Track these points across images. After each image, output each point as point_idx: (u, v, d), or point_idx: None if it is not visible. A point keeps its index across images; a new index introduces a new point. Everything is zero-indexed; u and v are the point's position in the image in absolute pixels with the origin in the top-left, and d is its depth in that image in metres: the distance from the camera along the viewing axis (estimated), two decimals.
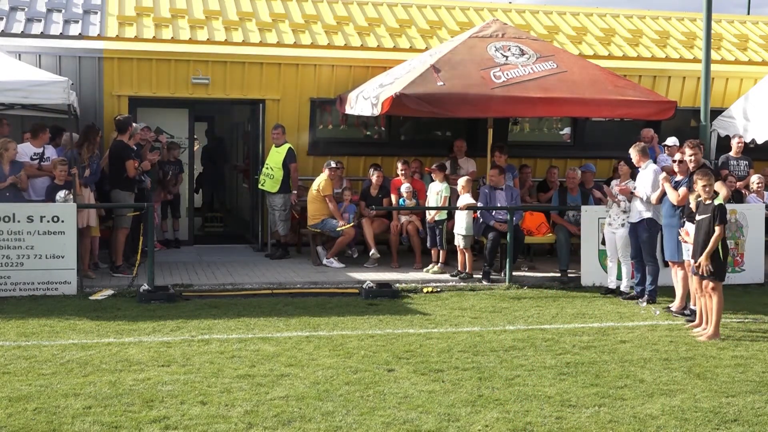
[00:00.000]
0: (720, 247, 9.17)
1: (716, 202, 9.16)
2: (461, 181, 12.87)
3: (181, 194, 15.32)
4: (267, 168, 13.94)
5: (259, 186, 14.16)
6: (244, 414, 6.40)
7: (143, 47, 14.30)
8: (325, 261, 13.43)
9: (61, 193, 11.33)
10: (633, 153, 11.26)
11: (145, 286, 10.76)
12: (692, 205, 9.54)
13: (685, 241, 9.85)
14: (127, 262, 12.30)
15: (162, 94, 14.39)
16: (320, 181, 13.48)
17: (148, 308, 10.23)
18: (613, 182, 11.89)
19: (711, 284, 9.21)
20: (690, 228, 9.66)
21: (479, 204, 12.78)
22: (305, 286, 11.85)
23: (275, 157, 13.86)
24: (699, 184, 9.29)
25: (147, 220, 11.50)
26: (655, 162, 11.91)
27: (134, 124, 12.86)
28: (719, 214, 9.09)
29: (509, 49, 13.32)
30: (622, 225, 11.46)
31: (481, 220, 12.74)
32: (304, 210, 13.88)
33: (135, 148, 12.67)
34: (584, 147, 15.99)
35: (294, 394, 6.90)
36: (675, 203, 10.35)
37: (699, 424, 6.43)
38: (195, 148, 16.31)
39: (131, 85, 14.11)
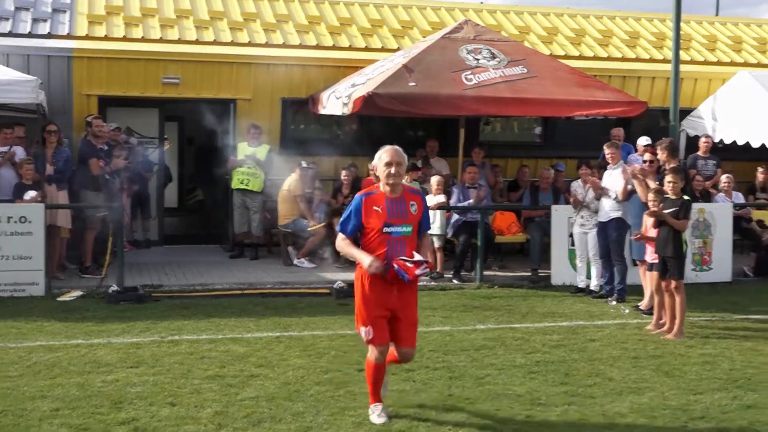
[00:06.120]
0: (682, 244, 9.30)
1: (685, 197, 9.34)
2: (434, 181, 12.90)
3: (150, 194, 15.19)
4: (250, 168, 13.86)
5: (242, 185, 14.00)
6: (214, 415, 6.37)
7: (113, 46, 14.22)
8: (296, 261, 13.41)
9: (30, 193, 11.23)
10: (607, 151, 11.35)
11: (114, 287, 10.69)
12: (650, 204, 9.60)
13: (645, 238, 9.91)
14: (96, 263, 12.21)
15: (132, 94, 14.30)
16: (291, 181, 13.46)
17: (117, 309, 10.15)
18: (573, 184, 11.97)
19: (674, 283, 9.31)
20: (649, 221, 9.78)
21: (453, 202, 12.83)
22: (276, 286, 11.82)
23: (259, 155, 13.83)
24: (665, 180, 9.47)
25: (116, 221, 11.41)
26: (626, 162, 11.99)
27: (100, 121, 12.70)
28: (685, 210, 9.24)
29: (480, 52, 13.38)
30: (595, 225, 11.54)
31: (455, 218, 12.78)
32: (275, 210, 13.85)
33: (105, 147, 12.59)
34: (554, 147, 16.07)
35: (264, 395, 6.88)
36: (643, 200, 10.43)
37: (667, 422, 6.49)
38: (165, 147, 16.16)
39: (101, 84, 14.02)
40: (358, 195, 6.42)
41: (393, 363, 6.57)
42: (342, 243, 6.41)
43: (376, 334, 6.27)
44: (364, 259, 6.19)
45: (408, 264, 6.18)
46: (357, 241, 6.38)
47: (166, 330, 9.11)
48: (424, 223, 6.46)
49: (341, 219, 6.45)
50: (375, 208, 6.29)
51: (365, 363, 6.47)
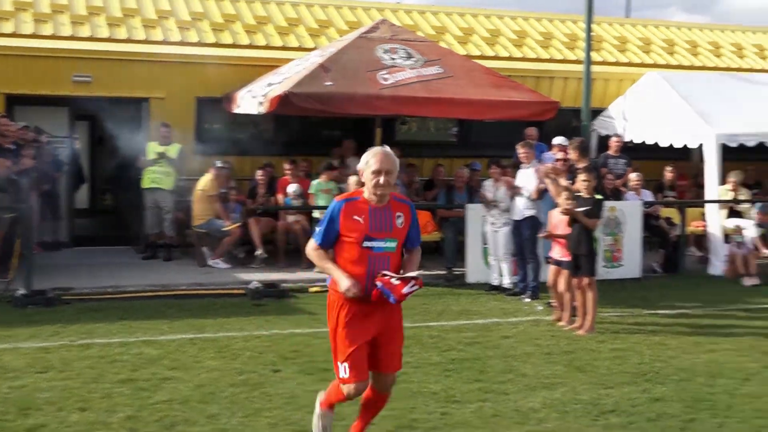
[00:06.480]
0: (594, 242, 9.53)
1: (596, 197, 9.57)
2: (351, 181, 12.87)
3: (60, 194, 14.81)
4: (162, 166, 13.62)
5: (153, 185, 13.75)
6: (126, 419, 6.27)
7: (22, 43, 13.88)
8: (210, 262, 13.24)
9: None
10: (520, 150, 11.51)
11: (22, 290, 10.39)
12: (562, 203, 9.79)
13: (553, 236, 10.11)
14: (3, 266, 11.85)
15: (41, 92, 13.95)
16: (205, 180, 13.30)
17: (24, 313, 9.87)
18: (485, 183, 12.11)
19: (586, 280, 9.50)
20: (555, 219, 9.98)
21: None
22: (190, 287, 11.65)
23: (170, 153, 13.62)
24: (579, 179, 9.67)
25: (24, 222, 11.11)
26: (539, 161, 12.19)
27: (6, 120, 12.37)
28: (597, 209, 9.47)
29: (397, 51, 13.44)
30: (505, 224, 11.68)
31: None
32: (189, 210, 13.67)
33: (13, 147, 12.25)
34: (470, 146, 16.23)
35: (177, 398, 6.79)
36: (555, 198, 10.62)
37: (579, 416, 6.61)
38: (77, 146, 15.80)
39: (8, 82, 13.64)
40: (337, 200, 5.47)
41: (369, 403, 5.63)
42: (314, 254, 5.49)
43: (353, 373, 5.36)
44: (342, 280, 5.28)
45: (394, 281, 5.24)
46: (331, 255, 5.49)
47: (77, 334, 8.90)
48: (412, 236, 5.49)
49: (318, 226, 5.53)
50: (355, 217, 5.31)
51: (335, 388, 5.56)
